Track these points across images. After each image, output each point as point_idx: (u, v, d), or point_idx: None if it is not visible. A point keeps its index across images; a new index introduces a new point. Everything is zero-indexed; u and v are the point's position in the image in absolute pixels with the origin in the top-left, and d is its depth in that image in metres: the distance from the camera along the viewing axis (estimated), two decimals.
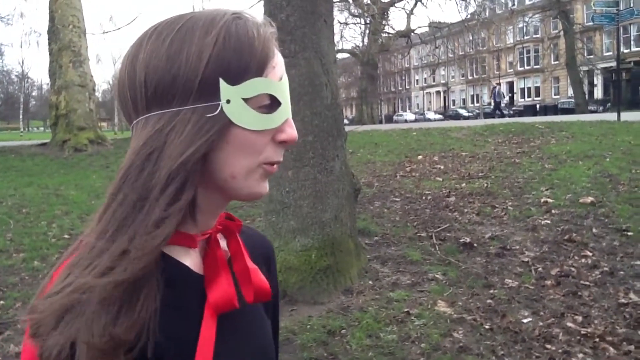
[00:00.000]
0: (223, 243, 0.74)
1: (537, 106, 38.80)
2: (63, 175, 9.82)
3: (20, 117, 58.87)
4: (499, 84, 27.58)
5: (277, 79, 0.67)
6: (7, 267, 5.00)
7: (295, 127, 0.70)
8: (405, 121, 40.92)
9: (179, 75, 0.62)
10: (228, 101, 0.63)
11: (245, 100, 0.64)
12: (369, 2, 30.39)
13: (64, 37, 12.76)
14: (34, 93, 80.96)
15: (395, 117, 51.94)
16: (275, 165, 0.69)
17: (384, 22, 33.34)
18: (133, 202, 0.61)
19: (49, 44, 13.07)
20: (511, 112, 37.72)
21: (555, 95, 44.94)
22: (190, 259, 0.70)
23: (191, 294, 0.68)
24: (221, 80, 0.63)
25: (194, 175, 0.62)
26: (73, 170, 10.38)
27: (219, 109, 0.63)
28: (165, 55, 0.63)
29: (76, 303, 0.56)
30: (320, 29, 4.33)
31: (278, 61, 0.68)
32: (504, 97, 28.96)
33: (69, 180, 9.20)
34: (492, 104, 25.28)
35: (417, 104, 63.27)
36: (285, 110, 0.69)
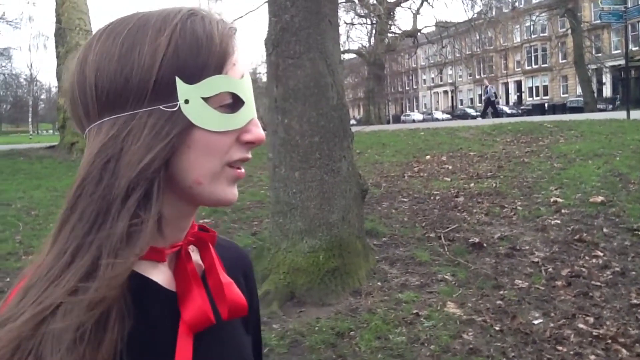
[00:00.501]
0: (196, 256, 0.70)
1: (546, 105, 38.69)
2: (71, 177, 9.81)
3: (30, 120, 59.36)
4: (491, 83, 27.49)
5: (239, 76, 0.64)
6: (17, 270, 5.01)
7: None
8: (413, 121, 40.84)
9: (132, 76, 0.59)
10: (187, 101, 0.60)
11: (205, 99, 0.61)
12: (375, 2, 30.41)
13: (71, 40, 12.81)
14: (43, 96, 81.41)
15: (402, 117, 51.87)
16: (243, 170, 0.66)
17: (390, 22, 33.31)
18: (93, 217, 0.56)
19: (56, 47, 13.14)
20: (520, 111, 37.63)
21: (563, 94, 44.69)
22: (159, 274, 0.65)
23: (162, 312, 0.64)
24: (177, 79, 0.60)
25: (157, 183, 0.58)
26: None
27: (177, 109, 0.60)
28: (116, 56, 0.60)
29: (35, 330, 0.52)
30: (325, 30, 4.31)
31: (239, 58, 0.65)
32: (496, 97, 28.78)
33: None
34: (491, 102, 25.03)
35: (425, 104, 63.12)
36: (250, 109, 0.65)
